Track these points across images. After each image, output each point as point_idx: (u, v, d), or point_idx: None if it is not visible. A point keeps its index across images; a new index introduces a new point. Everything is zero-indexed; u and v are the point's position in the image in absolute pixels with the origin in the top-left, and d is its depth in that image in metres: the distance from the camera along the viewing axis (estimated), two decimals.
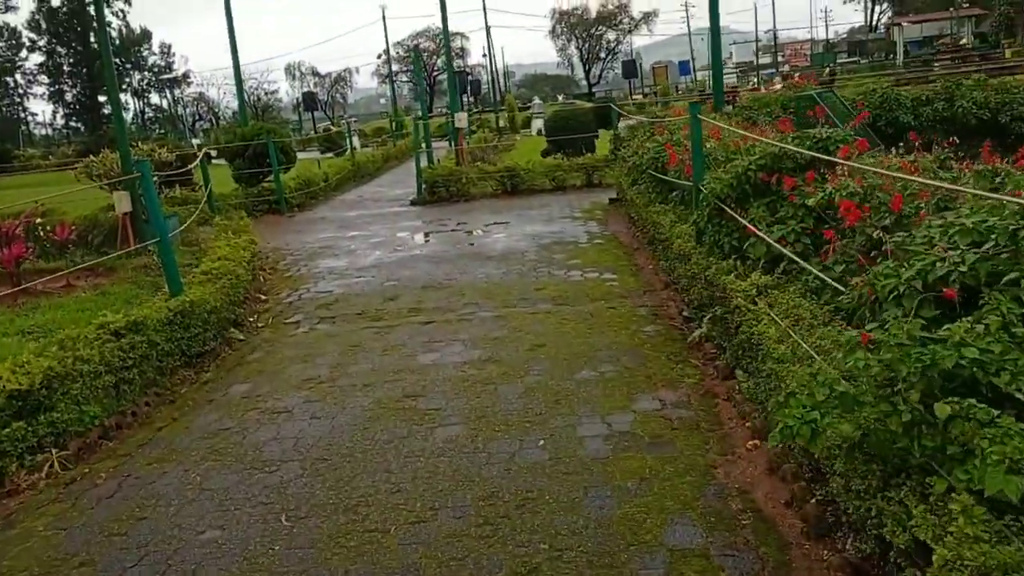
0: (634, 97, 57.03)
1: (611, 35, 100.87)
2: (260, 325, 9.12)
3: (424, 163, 19.55)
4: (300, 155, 29.22)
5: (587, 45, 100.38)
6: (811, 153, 5.94)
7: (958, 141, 7.78)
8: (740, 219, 6.26)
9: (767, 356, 5.05)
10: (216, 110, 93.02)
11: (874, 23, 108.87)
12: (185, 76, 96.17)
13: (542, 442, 5.32)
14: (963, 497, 2.76)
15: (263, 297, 10.53)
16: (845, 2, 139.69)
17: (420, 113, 29.27)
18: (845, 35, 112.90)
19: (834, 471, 3.74)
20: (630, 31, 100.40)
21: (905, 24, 79.71)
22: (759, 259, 6.05)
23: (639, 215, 11.35)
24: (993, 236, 3.20)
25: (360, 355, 7.58)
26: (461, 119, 20.14)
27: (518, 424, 5.64)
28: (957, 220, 3.53)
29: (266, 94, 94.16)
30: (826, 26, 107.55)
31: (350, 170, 25.03)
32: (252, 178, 19.20)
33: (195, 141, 59.17)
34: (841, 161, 5.34)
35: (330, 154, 33.57)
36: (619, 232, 12.62)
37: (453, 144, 21.27)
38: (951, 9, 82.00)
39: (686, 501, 4.46)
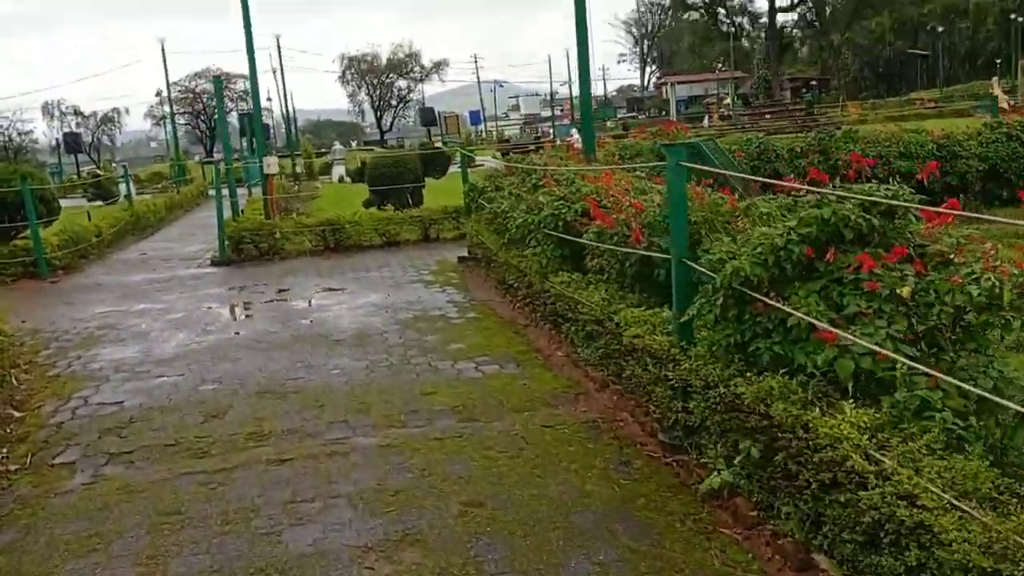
0: (436, 145, 55.34)
1: (402, 83, 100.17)
2: (12, 469, 5.96)
3: (227, 214, 16.40)
4: (64, 201, 24.50)
5: (378, 92, 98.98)
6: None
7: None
8: (803, 316, 4.19)
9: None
10: None
11: (646, 83, 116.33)
12: None
13: None
14: None
15: (16, 414, 7.27)
16: (619, 62, 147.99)
17: (222, 155, 25.84)
18: (615, 92, 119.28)
19: None
20: (421, 80, 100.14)
21: (676, 83, 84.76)
22: (847, 380, 4.00)
23: (527, 284, 9.17)
24: None
25: (185, 533, 4.74)
26: (271, 164, 17.16)
27: None
28: None
29: (19, 135, 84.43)
30: (604, 83, 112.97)
31: (128, 222, 21.14)
32: (1, 235, 15.19)
33: None
34: None
35: (99, 202, 28.99)
36: (491, 302, 10.36)
37: (260, 193, 18.26)
38: (716, 71, 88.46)
39: None
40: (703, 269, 5.05)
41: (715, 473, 4.72)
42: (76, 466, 5.91)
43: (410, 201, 18.96)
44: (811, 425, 3.87)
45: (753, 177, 7.38)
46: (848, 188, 4.73)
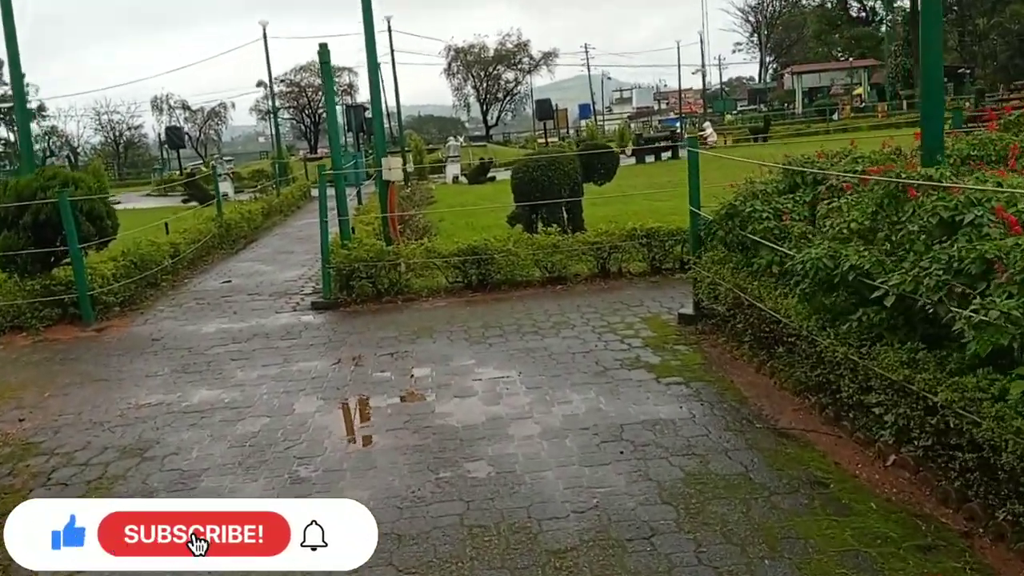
0: (551, 140, 50.62)
1: (509, 75, 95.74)
2: None
3: (333, 231, 12.01)
4: (160, 201, 21.02)
5: (484, 85, 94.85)
6: None
7: None
8: None
9: None
10: (74, 144, 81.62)
11: (765, 73, 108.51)
12: (40, 108, 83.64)
13: None
14: None
15: None
16: (735, 51, 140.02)
17: (327, 150, 21.78)
18: (724, 84, 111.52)
19: None
20: (530, 71, 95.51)
21: (802, 74, 77.61)
22: None
23: (939, 427, 4.33)
24: None
25: None
26: (393, 166, 12.62)
27: None
28: None
29: (129, 129, 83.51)
30: (720, 73, 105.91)
31: (215, 235, 17.14)
32: (36, 262, 11.20)
33: None
34: None
35: (195, 203, 25.38)
36: (814, 435, 5.53)
37: (364, 199, 13.83)
38: (850, 59, 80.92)
39: None
40: None
41: None
42: None
43: (565, 216, 14.15)
44: None
45: None
46: None
